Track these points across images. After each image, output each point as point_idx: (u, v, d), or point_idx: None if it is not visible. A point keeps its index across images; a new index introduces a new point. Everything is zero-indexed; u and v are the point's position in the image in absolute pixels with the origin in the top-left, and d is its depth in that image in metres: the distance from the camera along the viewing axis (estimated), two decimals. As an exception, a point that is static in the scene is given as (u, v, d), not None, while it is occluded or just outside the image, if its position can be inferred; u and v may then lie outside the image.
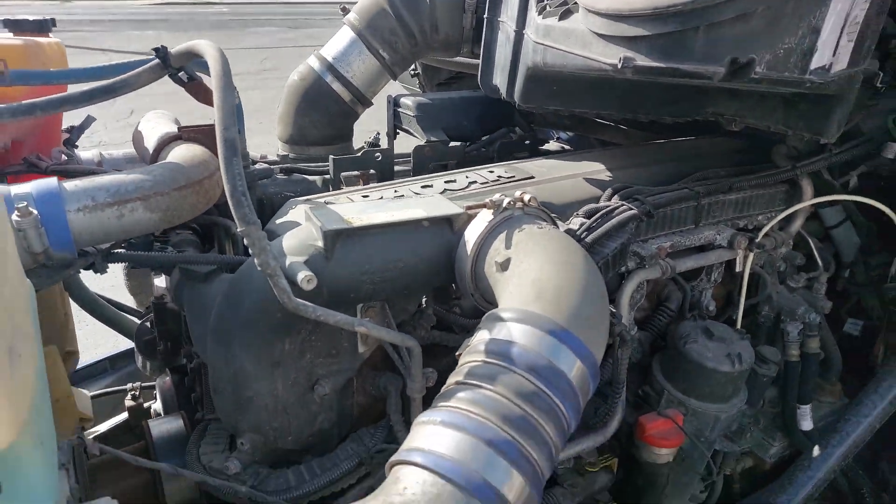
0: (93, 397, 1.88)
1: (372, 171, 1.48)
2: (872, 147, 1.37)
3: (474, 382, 0.72)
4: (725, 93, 1.27)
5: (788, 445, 1.58)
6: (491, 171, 1.33)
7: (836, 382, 1.64)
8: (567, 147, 2.01)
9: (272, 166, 1.45)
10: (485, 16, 1.41)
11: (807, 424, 1.53)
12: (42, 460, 0.57)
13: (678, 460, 1.30)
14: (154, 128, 1.21)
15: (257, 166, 1.42)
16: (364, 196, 1.20)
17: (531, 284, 0.82)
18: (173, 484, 1.03)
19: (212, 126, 1.05)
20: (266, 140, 3.00)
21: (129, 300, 1.91)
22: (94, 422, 1.66)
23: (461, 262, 0.96)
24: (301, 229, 0.95)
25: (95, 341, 2.71)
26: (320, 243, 0.90)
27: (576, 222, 1.14)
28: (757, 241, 1.36)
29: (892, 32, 1.28)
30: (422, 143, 1.65)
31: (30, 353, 0.58)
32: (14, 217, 0.80)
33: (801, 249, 1.55)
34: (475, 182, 1.28)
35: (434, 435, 0.67)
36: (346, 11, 1.80)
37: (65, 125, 1.62)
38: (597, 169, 1.43)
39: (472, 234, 0.94)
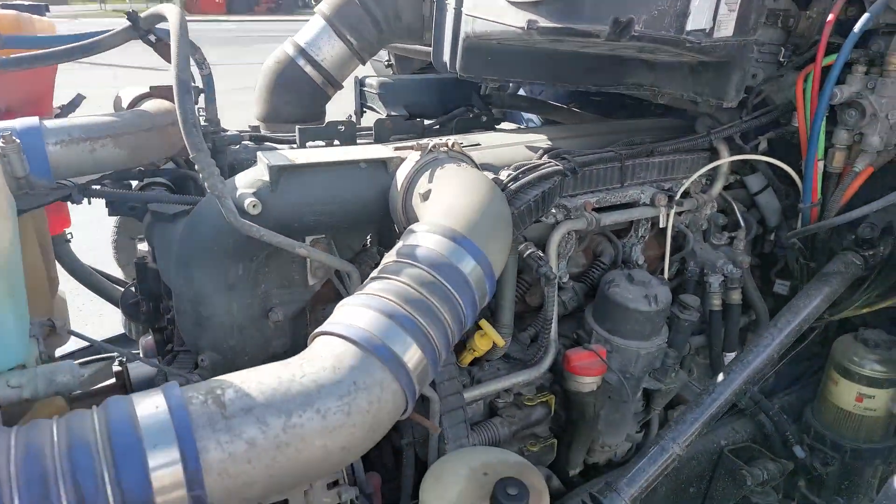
0: (80, 364, 2.02)
1: (336, 141, 1.64)
2: (780, 115, 1.53)
3: (384, 275, 0.87)
4: (641, 64, 1.43)
5: (719, 394, 1.73)
6: (441, 139, 1.48)
7: (765, 337, 1.79)
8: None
9: (242, 134, 1.61)
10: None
11: (734, 373, 1.67)
12: (13, 311, 0.71)
13: (605, 393, 1.45)
14: (130, 91, 1.37)
15: (227, 134, 1.58)
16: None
17: (442, 205, 0.98)
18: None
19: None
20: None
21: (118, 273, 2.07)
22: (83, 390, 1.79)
23: (393, 198, 1.11)
24: (253, 168, 1.10)
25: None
26: (268, 178, 1.05)
27: (504, 174, 1.29)
28: (676, 198, 1.51)
29: (793, 13, 1.45)
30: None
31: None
32: (-1, 143, 0.95)
33: (730, 214, 1.71)
34: (423, 146, 1.43)
35: (346, 312, 0.82)
36: (318, 1, 1.97)
37: (56, 104, 1.78)
38: (540, 139, 1.58)
39: (402, 172, 1.10)
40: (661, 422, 1.72)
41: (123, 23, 1.18)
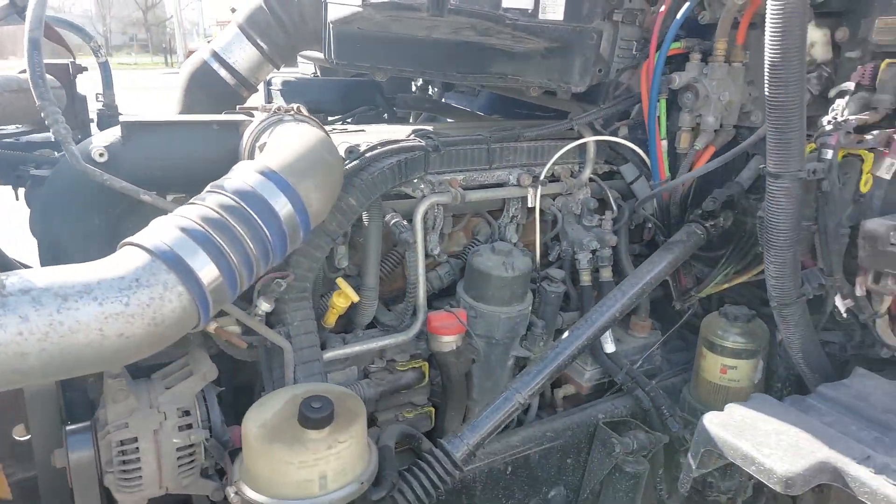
0: None
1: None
2: (638, 103, 1.66)
3: (194, 201, 0.97)
4: (501, 54, 1.56)
5: (601, 370, 1.81)
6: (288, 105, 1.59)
7: (647, 319, 1.89)
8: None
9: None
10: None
11: (609, 347, 1.76)
12: None
13: (469, 355, 1.53)
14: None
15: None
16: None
17: (268, 151, 1.09)
18: None
19: (64, 64, 1.33)
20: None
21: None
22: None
23: (240, 154, 1.22)
24: (114, 128, 1.22)
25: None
26: (120, 133, 1.16)
27: (365, 145, 1.41)
28: (541, 179, 1.63)
29: (640, 7, 1.59)
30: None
31: None
32: None
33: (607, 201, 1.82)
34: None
35: (149, 228, 0.92)
36: (234, 11, 2.12)
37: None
38: (426, 128, 1.71)
39: (248, 131, 1.22)
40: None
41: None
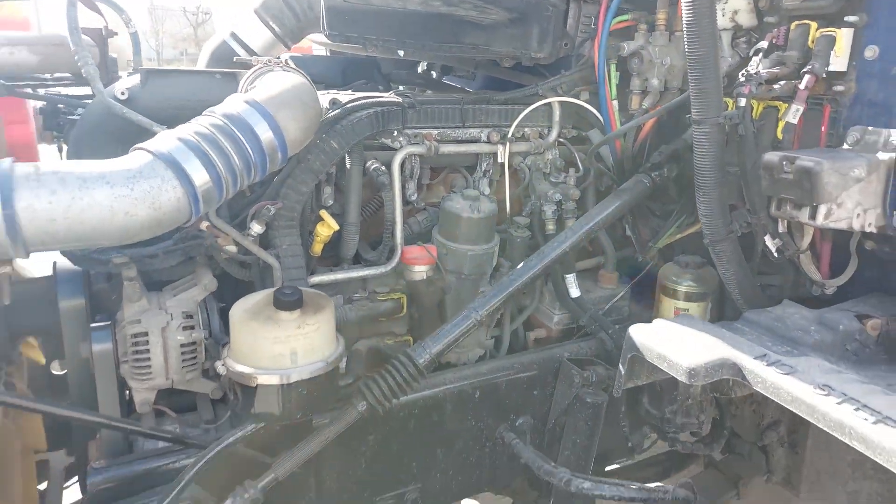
0: None
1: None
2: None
3: (192, 121, 1.21)
4: (473, 26, 1.78)
5: (568, 315, 2.00)
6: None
7: (614, 272, 2.07)
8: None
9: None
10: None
11: (574, 292, 1.95)
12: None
13: (439, 287, 1.74)
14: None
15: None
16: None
17: (257, 87, 1.32)
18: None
19: (97, 28, 1.59)
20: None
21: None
22: None
23: (238, 100, 1.46)
24: (134, 74, 1.47)
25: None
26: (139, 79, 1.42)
27: (346, 98, 1.64)
28: (508, 136, 1.84)
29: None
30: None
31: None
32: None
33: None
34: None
35: (155, 138, 1.16)
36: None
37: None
38: (408, 91, 1.93)
39: (243, 79, 1.45)
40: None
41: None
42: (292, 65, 1.48)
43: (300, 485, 1.55)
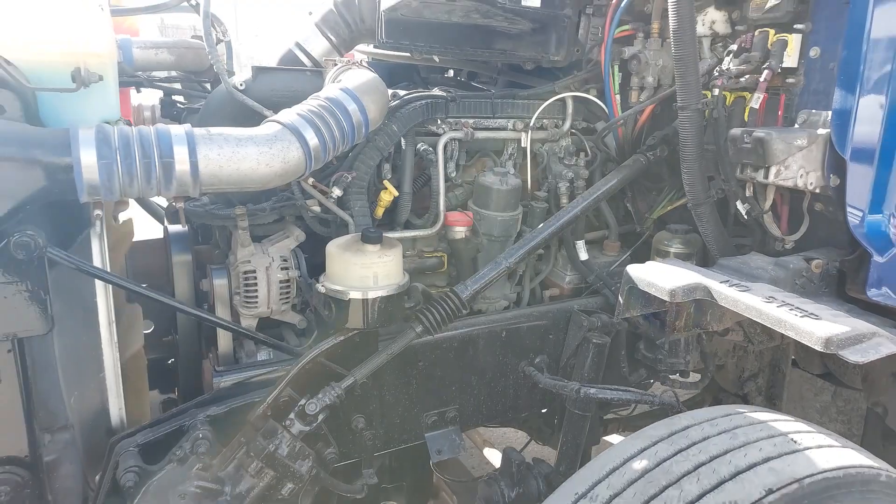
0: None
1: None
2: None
3: (305, 102, 1.64)
4: (502, 35, 2.21)
5: (577, 276, 2.41)
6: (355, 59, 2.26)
7: (616, 241, 2.48)
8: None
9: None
10: (379, -1, 2.38)
11: (583, 255, 2.36)
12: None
13: (475, 246, 2.15)
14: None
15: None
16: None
17: (345, 79, 1.75)
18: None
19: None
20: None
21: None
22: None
23: (324, 91, 1.89)
24: (247, 71, 1.90)
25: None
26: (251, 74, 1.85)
27: (402, 93, 2.07)
28: (530, 125, 2.26)
29: (604, 3, 2.23)
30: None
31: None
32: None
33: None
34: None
35: (282, 113, 1.59)
36: (311, 14, 2.83)
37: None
38: (449, 88, 2.36)
39: (329, 75, 1.89)
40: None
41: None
42: (365, 64, 1.91)
43: (367, 396, 1.96)
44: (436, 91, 2.13)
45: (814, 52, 1.78)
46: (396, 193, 2.03)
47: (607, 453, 1.48)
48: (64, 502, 1.60)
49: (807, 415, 2.72)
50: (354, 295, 1.66)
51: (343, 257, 1.66)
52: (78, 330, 1.61)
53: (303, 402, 1.73)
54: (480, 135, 2.21)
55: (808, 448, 1.40)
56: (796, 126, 1.80)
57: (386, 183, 2.02)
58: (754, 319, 1.54)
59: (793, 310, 1.49)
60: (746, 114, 1.91)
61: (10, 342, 1.40)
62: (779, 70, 1.81)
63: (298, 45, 2.69)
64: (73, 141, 1.31)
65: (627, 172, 2.15)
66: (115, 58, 1.47)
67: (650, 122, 2.25)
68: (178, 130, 1.42)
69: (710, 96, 1.93)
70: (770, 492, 1.28)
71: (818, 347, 1.39)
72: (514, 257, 2.00)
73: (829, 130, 1.70)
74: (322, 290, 1.70)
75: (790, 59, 1.80)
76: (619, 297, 1.86)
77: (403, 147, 2.10)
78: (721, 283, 1.67)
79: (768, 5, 1.79)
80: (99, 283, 1.57)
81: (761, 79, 1.81)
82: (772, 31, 1.84)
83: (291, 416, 1.72)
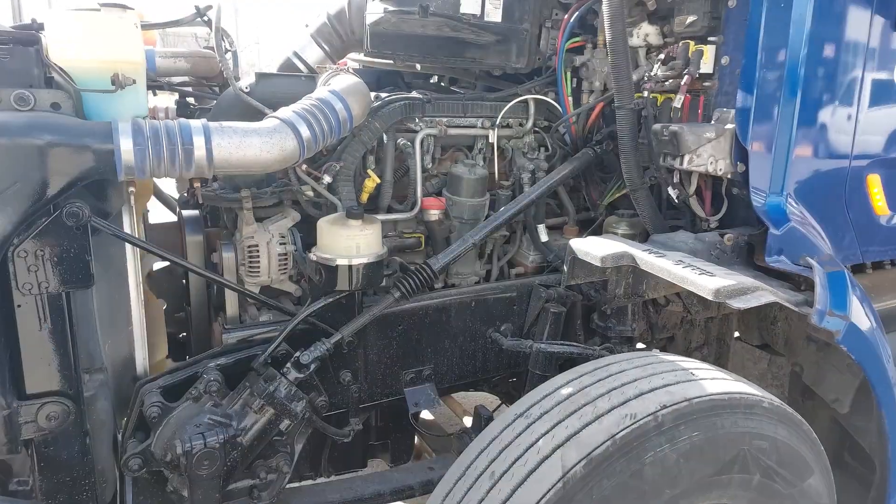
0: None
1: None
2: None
3: (299, 101, 1.98)
4: (471, 45, 2.56)
5: (539, 255, 2.75)
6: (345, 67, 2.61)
7: (574, 226, 2.83)
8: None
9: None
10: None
11: (544, 237, 2.71)
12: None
13: (448, 226, 2.50)
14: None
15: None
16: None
17: (333, 82, 2.10)
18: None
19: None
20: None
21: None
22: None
23: (316, 93, 2.24)
24: (251, 76, 2.25)
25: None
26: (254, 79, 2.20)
27: (385, 95, 2.42)
28: (496, 123, 2.61)
29: (560, 18, 2.58)
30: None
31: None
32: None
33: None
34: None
35: (279, 110, 1.94)
36: (307, 26, 3.18)
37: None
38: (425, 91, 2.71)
39: (321, 79, 2.23)
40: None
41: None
42: (351, 71, 2.26)
43: (353, 354, 2.30)
44: (414, 93, 2.47)
45: (724, 60, 2.13)
46: (379, 181, 2.38)
47: (545, 385, 1.82)
48: (99, 432, 1.93)
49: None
50: (341, 262, 2.01)
51: (331, 230, 2.01)
52: (111, 288, 1.96)
53: (297, 354, 2.07)
54: (453, 132, 2.56)
55: (702, 379, 1.75)
56: (710, 122, 2.14)
57: (370, 172, 2.37)
58: (664, 278, 1.88)
59: (694, 270, 1.83)
60: (672, 112, 2.26)
61: (62, 294, 1.74)
62: (697, 75, 2.16)
63: (296, 54, 3.05)
64: (114, 131, 1.65)
65: (578, 164, 2.50)
66: (144, 65, 1.82)
67: (600, 120, 2.60)
68: (196, 124, 1.76)
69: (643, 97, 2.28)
70: (664, 407, 1.62)
71: (709, 297, 1.73)
72: (479, 235, 2.35)
73: (734, 125, 2.05)
74: (314, 258, 2.05)
75: (706, 66, 2.15)
76: (565, 267, 2.20)
77: (385, 141, 2.44)
78: (643, 251, 2.02)
79: (688, 21, 2.14)
80: (129, 248, 1.92)
81: (682, 83, 2.15)
82: (692, 43, 2.19)
83: (288, 365, 2.06)
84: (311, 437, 2.24)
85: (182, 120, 1.77)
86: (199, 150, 1.74)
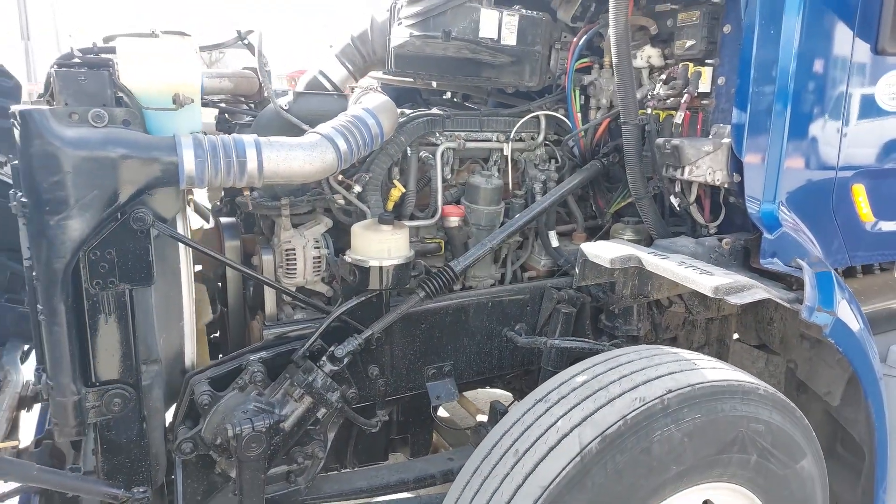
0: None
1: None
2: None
3: (337, 117, 2.19)
4: (487, 65, 2.77)
5: (550, 260, 2.95)
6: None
7: (583, 233, 3.03)
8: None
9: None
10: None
11: (555, 243, 2.91)
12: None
13: (466, 233, 2.70)
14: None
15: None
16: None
17: (365, 100, 2.31)
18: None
19: (254, 68, 2.60)
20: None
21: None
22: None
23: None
24: (289, 94, 2.46)
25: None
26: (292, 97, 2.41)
27: (408, 112, 2.63)
28: (510, 137, 2.81)
29: (569, 41, 2.80)
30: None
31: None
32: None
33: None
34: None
35: (319, 126, 2.14)
36: (331, 47, 3.40)
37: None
38: (445, 108, 2.92)
39: (352, 97, 2.44)
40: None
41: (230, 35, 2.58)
42: (380, 90, 2.47)
43: (381, 350, 2.49)
44: (435, 110, 2.68)
45: (721, 80, 2.34)
46: (404, 190, 2.58)
47: (560, 374, 2.01)
48: (154, 419, 2.12)
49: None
50: (373, 263, 2.21)
51: (365, 234, 2.21)
52: (166, 286, 2.15)
53: (332, 348, 2.26)
54: (470, 145, 2.76)
55: (703, 367, 1.94)
56: (709, 136, 2.35)
57: (395, 182, 2.57)
58: (668, 277, 2.08)
59: (695, 270, 2.03)
60: (673, 128, 2.46)
61: (126, 291, 1.94)
62: (696, 94, 2.37)
63: (321, 73, 3.25)
64: (177, 145, 1.86)
65: (587, 174, 2.71)
66: (201, 86, 2.02)
67: (607, 135, 2.81)
68: (248, 138, 1.97)
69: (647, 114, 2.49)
70: (670, 391, 1.81)
71: (709, 294, 1.93)
72: (496, 240, 2.55)
73: (730, 139, 2.26)
74: (349, 260, 2.25)
75: (704, 86, 2.36)
76: (576, 269, 2.40)
77: (409, 154, 2.65)
78: (649, 254, 2.21)
79: (687, 45, 2.35)
80: (182, 250, 2.12)
81: (682, 101, 2.36)
82: (691, 65, 2.40)
83: (324, 358, 2.25)
84: (338, 431, 2.43)
85: (235, 135, 1.98)
86: (252, 163, 1.94)
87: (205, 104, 2.52)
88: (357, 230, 2.25)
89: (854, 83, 2.26)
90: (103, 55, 2.04)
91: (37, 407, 2.87)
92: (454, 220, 2.66)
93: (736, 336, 3.30)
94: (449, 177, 2.78)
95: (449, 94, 3.64)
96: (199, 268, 2.75)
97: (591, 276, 2.44)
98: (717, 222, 2.50)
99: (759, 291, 1.96)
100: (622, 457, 1.73)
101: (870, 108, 2.31)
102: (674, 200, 2.52)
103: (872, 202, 2.44)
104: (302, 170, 2.03)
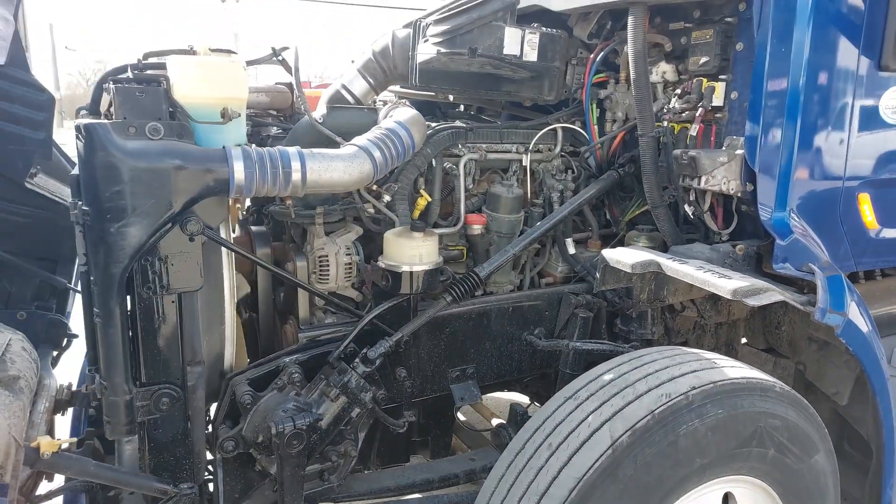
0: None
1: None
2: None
3: (372, 130, 2.31)
4: (507, 80, 2.90)
5: (567, 267, 3.07)
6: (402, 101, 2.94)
7: (598, 240, 3.14)
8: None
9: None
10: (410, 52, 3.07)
11: (571, 250, 3.02)
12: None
13: (488, 241, 2.81)
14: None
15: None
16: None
17: (396, 114, 2.43)
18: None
19: (289, 83, 2.72)
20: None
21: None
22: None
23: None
24: (323, 108, 2.57)
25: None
26: (326, 111, 2.52)
27: (434, 125, 2.75)
28: (529, 148, 2.93)
29: (585, 56, 2.93)
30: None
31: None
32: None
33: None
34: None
35: (356, 139, 2.26)
36: (353, 62, 3.52)
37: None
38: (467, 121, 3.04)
39: (382, 111, 2.56)
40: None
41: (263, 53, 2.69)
42: (408, 104, 2.59)
43: (408, 353, 2.59)
44: (457, 123, 2.80)
45: (734, 95, 2.47)
46: (430, 200, 2.69)
47: (587, 373, 2.12)
48: (197, 417, 2.21)
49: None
50: (405, 269, 2.32)
51: (397, 241, 2.32)
52: (209, 291, 2.25)
53: (365, 350, 2.36)
54: (491, 156, 2.88)
55: (724, 366, 2.06)
56: (723, 148, 2.47)
57: (422, 192, 2.69)
58: (687, 281, 2.19)
59: (714, 274, 2.15)
60: (688, 140, 2.59)
61: (176, 295, 2.04)
62: (710, 108, 2.49)
63: (344, 87, 3.37)
64: (228, 156, 1.97)
65: (603, 184, 2.83)
66: (246, 101, 2.14)
67: (622, 146, 2.94)
68: (292, 150, 2.08)
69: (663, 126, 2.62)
70: (693, 388, 1.92)
71: (728, 296, 2.04)
72: (518, 247, 2.67)
73: (744, 151, 2.38)
74: (382, 265, 2.35)
75: (718, 100, 2.48)
76: (597, 274, 2.51)
77: (434, 165, 2.76)
78: (668, 259, 2.33)
79: (701, 61, 2.48)
80: (224, 256, 2.22)
81: (697, 114, 2.49)
82: (705, 80, 2.53)
83: (356, 360, 2.35)
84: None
85: (280, 147, 2.09)
86: (296, 173, 2.06)
87: (241, 117, 2.63)
88: (390, 237, 2.36)
89: (859, 98, 2.39)
90: (149, 71, 2.16)
91: (70, 411, 2.95)
92: (477, 228, 2.77)
93: (744, 340, 3.42)
94: (471, 187, 2.89)
95: (462, 107, 3.77)
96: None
97: (610, 281, 2.55)
98: (730, 229, 2.62)
99: (774, 294, 2.07)
100: (651, 449, 1.84)
101: (874, 122, 2.44)
102: (688, 209, 2.64)
103: (877, 210, 2.56)
104: (342, 180, 2.14)
